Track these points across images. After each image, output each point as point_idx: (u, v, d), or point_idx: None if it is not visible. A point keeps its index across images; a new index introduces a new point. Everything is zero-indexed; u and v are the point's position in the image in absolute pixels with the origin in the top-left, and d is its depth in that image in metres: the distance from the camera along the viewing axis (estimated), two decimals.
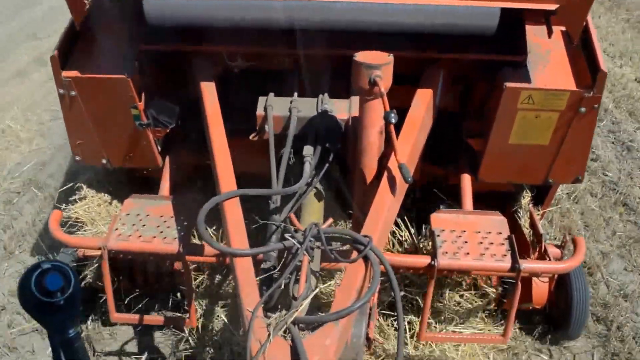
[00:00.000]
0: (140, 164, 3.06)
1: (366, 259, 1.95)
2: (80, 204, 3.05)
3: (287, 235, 2.06)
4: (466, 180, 2.96)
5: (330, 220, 2.22)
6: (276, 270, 2.21)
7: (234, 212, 2.23)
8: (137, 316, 2.71)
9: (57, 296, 1.27)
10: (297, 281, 1.96)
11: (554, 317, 3.03)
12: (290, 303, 1.89)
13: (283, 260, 2.15)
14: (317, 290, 1.99)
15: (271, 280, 2.21)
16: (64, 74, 2.65)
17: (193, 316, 2.66)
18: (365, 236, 1.99)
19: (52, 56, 2.61)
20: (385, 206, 2.22)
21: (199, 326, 2.92)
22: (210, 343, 2.93)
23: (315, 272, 2.11)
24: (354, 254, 1.98)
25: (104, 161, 3.00)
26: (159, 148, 3.03)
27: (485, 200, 3.07)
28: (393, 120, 2.19)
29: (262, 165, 2.54)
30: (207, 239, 1.97)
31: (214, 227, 2.96)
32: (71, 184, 3.33)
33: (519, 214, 3.09)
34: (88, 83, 2.67)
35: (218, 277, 3.13)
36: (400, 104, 2.47)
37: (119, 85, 2.65)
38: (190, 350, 2.91)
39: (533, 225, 2.94)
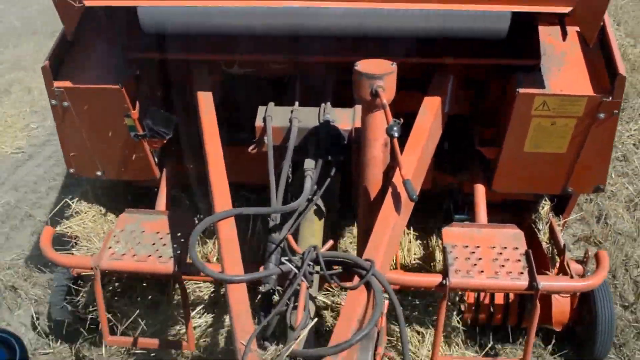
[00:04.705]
0: (136, 176, 2.96)
1: (368, 285, 1.81)
2: (75, 219, 2.94)
3: (284, 260, 1.94)
4: (480, 190, 2.81)
5: (331, 242, 2.10)
6: (274, 295, 2.09)
7: (228, 233, 2.13)
8: (132, 339, 2.60)
9: None
10: (295, 308, 1.85)
11: (578, 337, 2.85)
12: (287, 332, 1.78)
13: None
14: (316, 320, 1.85)
15: (269, 306, 2.09)
16: (56, 84, 2.58)
17: (191, 339, 2.53)
18: (368, 260, 1.87)
19: (43, 66, 2.53)
20: (390, 225, 2.09)
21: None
22: None
23: (314, 298, 1.98)
24: (356, 279, 1.85)
25: (98, 173, 2.91)
26: (156, 159, 2.92)
27: (501, 210, 2.91)
28: (396, 134, 2.02)
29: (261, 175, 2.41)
30: (198, 264, 1.87)
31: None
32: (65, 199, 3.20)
33: (537, 225, 2.92)
34: (81, 93, 2.59)
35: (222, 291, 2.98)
36: (408, 109, 2.34)
37: (113, 95, 2.56)
38: None
39: (553, 237, 2.78)
